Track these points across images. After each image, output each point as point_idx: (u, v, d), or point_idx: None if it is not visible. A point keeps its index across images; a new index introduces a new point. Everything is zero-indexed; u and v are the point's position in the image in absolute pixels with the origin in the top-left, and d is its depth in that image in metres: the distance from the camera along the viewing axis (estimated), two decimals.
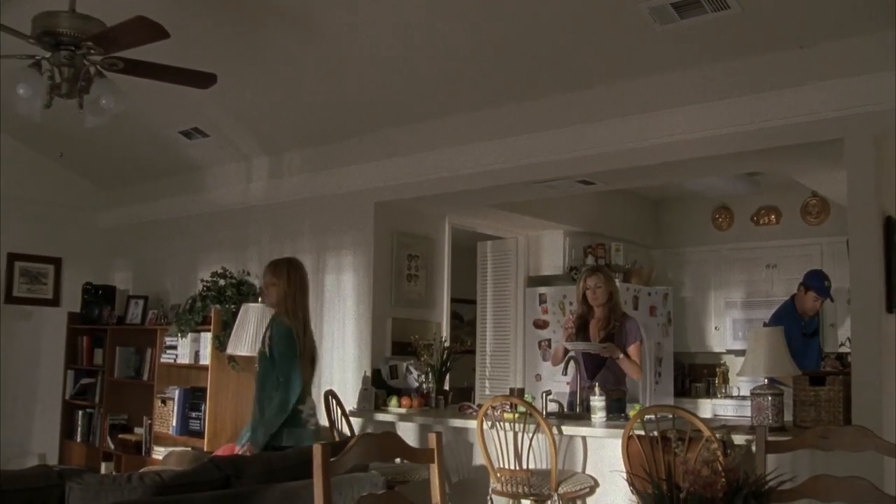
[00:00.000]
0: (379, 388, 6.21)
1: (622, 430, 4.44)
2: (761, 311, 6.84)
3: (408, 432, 5.69)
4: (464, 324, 9.94)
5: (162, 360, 7.53)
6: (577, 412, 5.53)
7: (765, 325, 6.13)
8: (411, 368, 6.27)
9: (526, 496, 4.77)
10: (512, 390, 5.60)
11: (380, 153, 6.56)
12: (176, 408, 7.19)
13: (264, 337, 4.90)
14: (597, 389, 5.19)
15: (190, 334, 7.22)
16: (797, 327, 6.26)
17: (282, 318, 4.85)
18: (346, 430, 5.85)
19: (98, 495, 3.25)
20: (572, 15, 4.74)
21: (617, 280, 7.18)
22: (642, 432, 4.28)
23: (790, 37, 4.61)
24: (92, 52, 4.16)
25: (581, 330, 5.78)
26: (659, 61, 5.02)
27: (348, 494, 3.60)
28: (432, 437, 2.73)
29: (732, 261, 8.91)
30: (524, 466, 4.76)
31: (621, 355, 5.59)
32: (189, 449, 6.65)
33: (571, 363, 5.66)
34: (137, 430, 7.82)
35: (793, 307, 6.47)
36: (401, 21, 5.06)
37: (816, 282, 6.42)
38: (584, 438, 5.07)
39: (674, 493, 2.08)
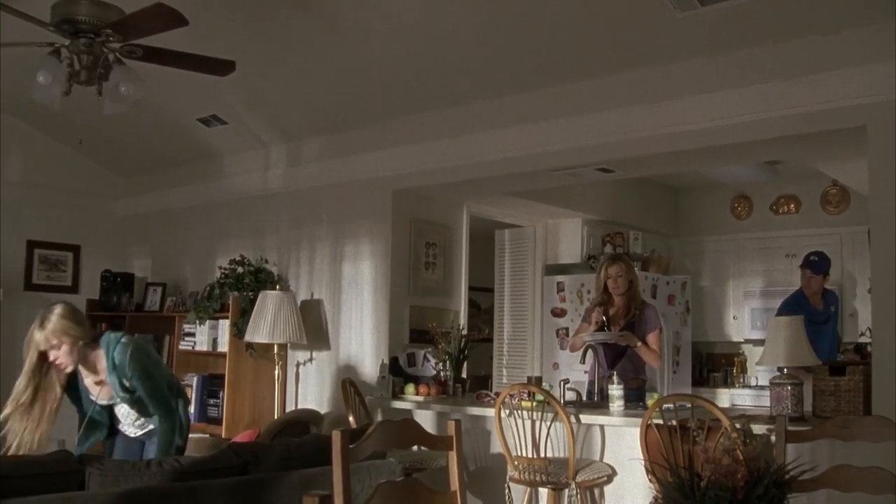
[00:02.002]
0: (396, 375, 6.21)
1: (640, 419, 4.43)
2: (780, 300, 6.80)
3: (425, 420, 5.69)
4: (481, 312, 9.94)
5: (180, 347, 7.58)
6: (595, 401, 5.52)
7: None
8: (429, 356, 6.27)
9: (543, 484, 4.77)
10: (530, 378, 5.59)
11: (398, 140, 6.55)
12: (194, 395, 7.21)
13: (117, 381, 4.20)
14: (615, 378, 5.17)
15: (208, 321, 7.26)
16: (805, 315, 6.22)
17: (112, 343, 4.20)
18: (364, 418, 5.87)
19: (117, 481, 3.28)
20: (592, 1, 4.71)
21: (635, 268, 7.15)
22: (660, 421, 4.27)
23: (811, 23, 4.56)
24: (111, 39, 4.17)
25: None
26: (679, 48, 4.98)
27: (366, 481, 3.61)
28: (451, 425, 2.72)
29: (751, 250, 8.87)
30: (542, 454, 4.76)
31: (639, 343, 5.58)
32: (207, 436, 6.69)
33: (589, 352, 5.66)
34: None
35: (802, 294, 6.46)
36: (419, 8, 5.04)
37: (805, 258, 6.44)
38: (601, 427, 5.07)
39: (694, 480, 2.07)
